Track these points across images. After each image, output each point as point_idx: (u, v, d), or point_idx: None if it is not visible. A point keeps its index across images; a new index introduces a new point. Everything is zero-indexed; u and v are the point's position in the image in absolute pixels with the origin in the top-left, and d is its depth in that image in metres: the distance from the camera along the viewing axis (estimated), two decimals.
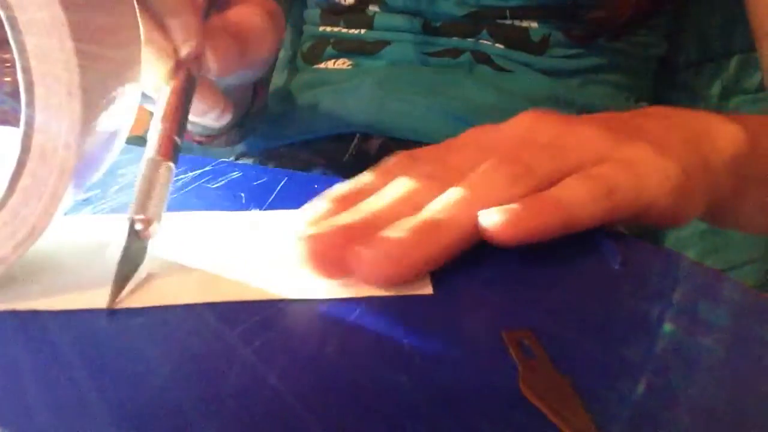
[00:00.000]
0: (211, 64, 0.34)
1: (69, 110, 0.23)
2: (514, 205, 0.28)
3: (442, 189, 0.29)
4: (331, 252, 0.26)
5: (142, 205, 0.27)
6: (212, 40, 0.34)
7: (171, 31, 0.32)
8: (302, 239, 0.26)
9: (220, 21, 0.36)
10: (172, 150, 0.29)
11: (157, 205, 0.27)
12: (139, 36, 0.28)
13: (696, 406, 0.22)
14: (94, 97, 0.24)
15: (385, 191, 0.30)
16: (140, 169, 0.28)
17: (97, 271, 0.27)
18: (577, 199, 0.28)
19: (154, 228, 0.27)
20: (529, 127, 0.33)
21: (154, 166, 0.28)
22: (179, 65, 0.33)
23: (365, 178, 0.32)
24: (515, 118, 0.33)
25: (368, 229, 0.27)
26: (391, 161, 0.33)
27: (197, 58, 0.33)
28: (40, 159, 0.24)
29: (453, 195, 0.29)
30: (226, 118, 0.40)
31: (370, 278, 0.27)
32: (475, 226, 0.28)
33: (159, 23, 0.32)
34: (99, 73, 0.25)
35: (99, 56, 0.25)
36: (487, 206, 0.28)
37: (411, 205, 0.29)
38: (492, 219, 0.27)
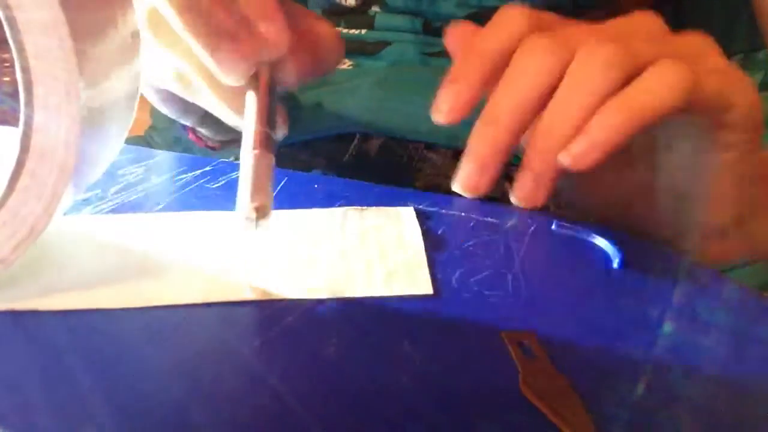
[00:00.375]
0: (288, 72, 0.35)
1: (68, 110, 0.23)
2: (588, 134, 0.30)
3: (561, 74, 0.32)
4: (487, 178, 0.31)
5: (253, 195, 0.27)
6: (290, 48, 0.34)
7: (261, 34, 0.33)
8: (463, 168, 0.31)
9: (297, 31, 0.36)
10: (271, 144, 0.30)
11: (268, 196, 0.28)
12: (139, 34, 0.28)
13: (696, 406, 0.22)
14: (93, 96, 0.24)
15: (515, 85, 0.33)
16: (242, 164, 0.29)
17: (97, 271, 0.27)
18: (660, 90, 0.30)
19: (267, 219, 0.27)
20: (636, 19, 0.35)
21: (258, 160, 0.29)
22: (263, 67, 0.33)
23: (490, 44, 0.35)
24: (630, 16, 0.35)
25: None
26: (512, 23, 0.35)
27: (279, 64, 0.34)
28: (40, 159, 0.24)
29: (560, 102, 0.32)
30: (282, 132, 0.40)
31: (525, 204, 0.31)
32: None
33: (247, 24, 0.33)
34: (99, 73, 0.25)
35: (98, 55, 0.25)
36: (587, 103, 0.30)
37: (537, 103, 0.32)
38: (570, 155, 0.31)
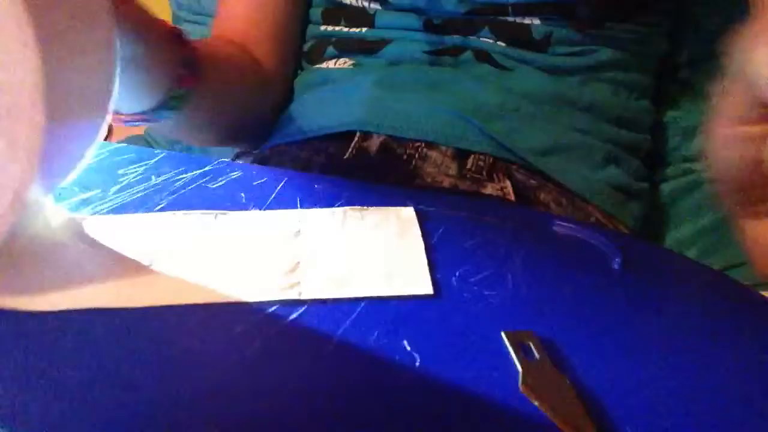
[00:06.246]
0: None
1: (28, 65, 0.23)
2: None
3: None
4: None
5: None
6: None
7: None
8: None
9: None
10: None
11: None
12: (116, 41, 0.27)
13: (695, 406, 0.22)
14: (54, 51, 0.24)
15: None
16: None
17: (96, 271, 0.28)
18: None
19: None
20: None
21: None
22: None
23: None
24: None
25: None
26: None
27: None
28: (8, 116, 0.23)
29: None
30: None
31: None
32: None
33: None
34: (60, 30, 0.24)
35: (68, 41, 0.24)
36: None
37: None
38: None
